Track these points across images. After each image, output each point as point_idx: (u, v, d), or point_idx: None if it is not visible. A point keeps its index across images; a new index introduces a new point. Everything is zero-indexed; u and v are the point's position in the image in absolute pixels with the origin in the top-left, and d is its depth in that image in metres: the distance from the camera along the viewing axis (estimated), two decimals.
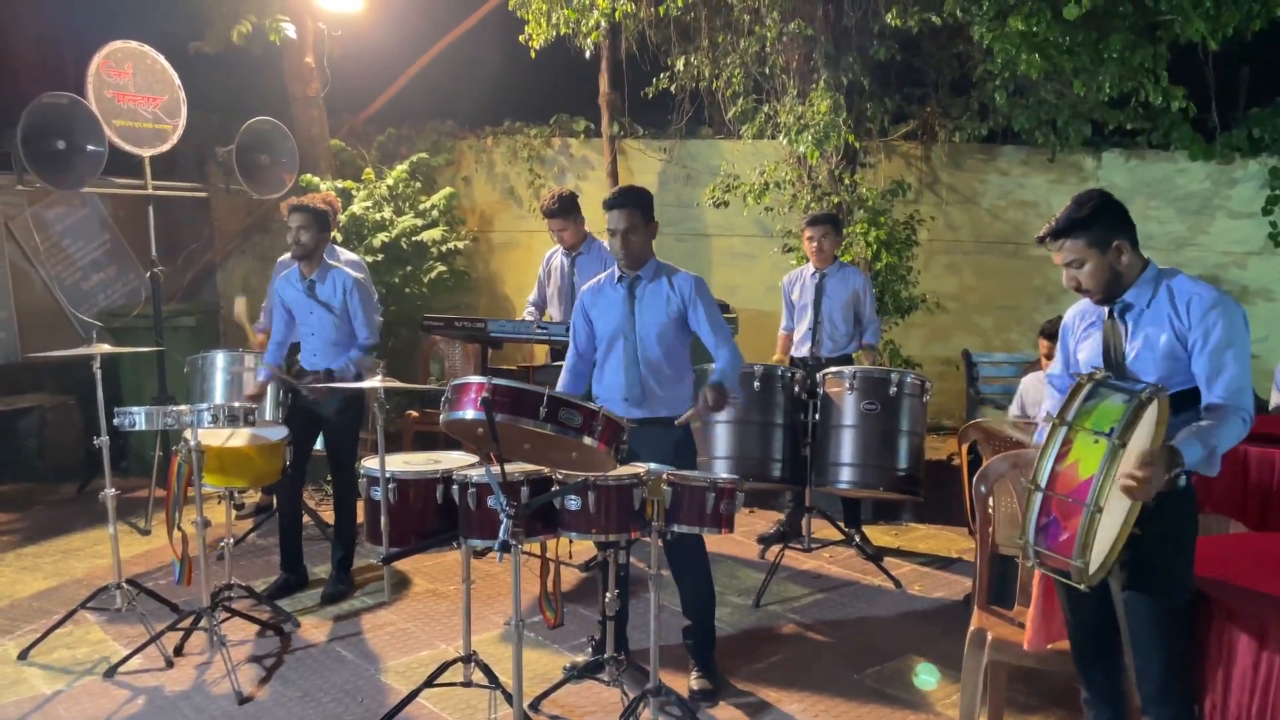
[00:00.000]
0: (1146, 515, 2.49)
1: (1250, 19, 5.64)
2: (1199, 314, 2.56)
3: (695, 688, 3.81)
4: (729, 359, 3.79)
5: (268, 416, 5.03)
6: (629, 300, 3.81)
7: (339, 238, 7.19)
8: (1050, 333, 4.60)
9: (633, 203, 3.75)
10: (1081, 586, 2.46)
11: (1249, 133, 6.79)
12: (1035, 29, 5.59)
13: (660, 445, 3.74)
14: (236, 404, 4.18)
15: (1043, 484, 2.46)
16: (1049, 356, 4.61)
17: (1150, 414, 2.42)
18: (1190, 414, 2.57)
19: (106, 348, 4.35)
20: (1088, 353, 2.78)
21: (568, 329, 4.53)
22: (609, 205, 3.76)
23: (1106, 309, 2.73)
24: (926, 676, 3.69)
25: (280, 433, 4.60)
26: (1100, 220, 2.63)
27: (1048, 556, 2.49)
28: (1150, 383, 2.47)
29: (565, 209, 5.10)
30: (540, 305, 5.52)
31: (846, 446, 4.75)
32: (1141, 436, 2.42)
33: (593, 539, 3.42)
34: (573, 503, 3.31)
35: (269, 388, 5.01)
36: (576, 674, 3.81)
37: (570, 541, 3.50)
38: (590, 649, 4.06)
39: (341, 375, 4.73)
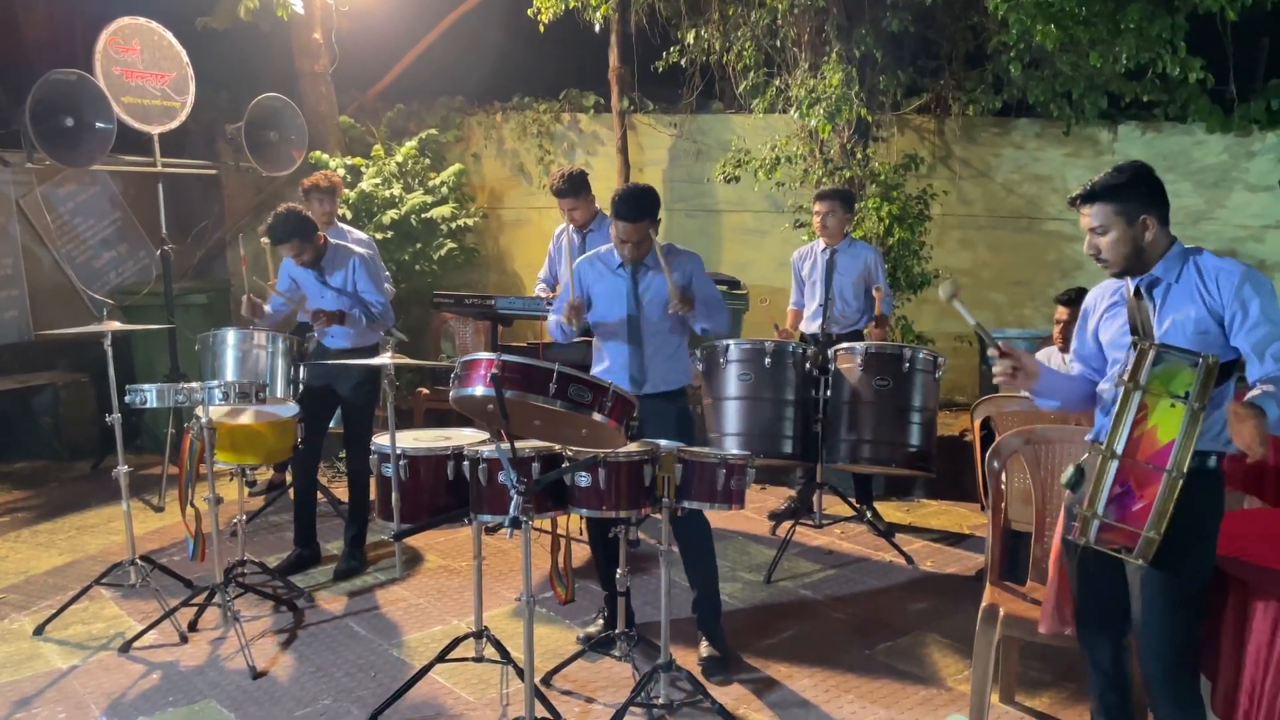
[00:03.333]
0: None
1: None
2: (1230, 289, 2.51)
3: (705, 654, 3.82)
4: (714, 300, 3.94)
5: (279, 393, 5.03)
6: (633, 287, 3.83)
7: (348, 215, 7.18)
8: (1067, 300, 4.55)
9: (644, 213, 3.73)
10: (1139, 562, 2.41)
11: (1268, 105, 6.68)
12: None
13: (664, 418, 3.78)
14: (248, 381, 4.19)
15: (1119, 450, 2.39)
16: (1059, 322, 4.56)
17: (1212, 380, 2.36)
18: (1223, 388, 2.51)
19: (118, 325, 4.36)
20: (1112, 333, 2.73)
21: None
22: (621, 216, 3.71)
23: (1131, 287, 2.68)
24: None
25: (291, 410, 4.61)
26: (1134, 191, 2.59)
27: (1115, 529, 2.42)
28: (1199, 351, 2.42)
29: (574, 188, 5.06)
30: (551, 282, 5.50)
31: (858, 423, 4.73)
32: None
33: (603, 515, 3.42)
34: (583, 479, 3.30)
35: (281, 362, 5.00)
36: (588, 648, 3.82)
37: (581, 518, 3.50)
38: (601, 620, 4.07)
39: (354, 323, 4.75)
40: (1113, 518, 2.42)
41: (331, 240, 4.85)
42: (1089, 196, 2.62)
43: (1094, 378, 2.84)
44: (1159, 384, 2.37)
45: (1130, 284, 2.69)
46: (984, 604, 3.28)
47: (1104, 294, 2.82)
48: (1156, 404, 2.37)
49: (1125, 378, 2.43)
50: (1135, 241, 2.60)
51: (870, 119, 6.72)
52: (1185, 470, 2.31)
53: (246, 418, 4.47)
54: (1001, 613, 3.21)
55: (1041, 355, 4.86)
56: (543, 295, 5.43)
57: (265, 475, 6.27)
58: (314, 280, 4.76)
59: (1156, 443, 2.35)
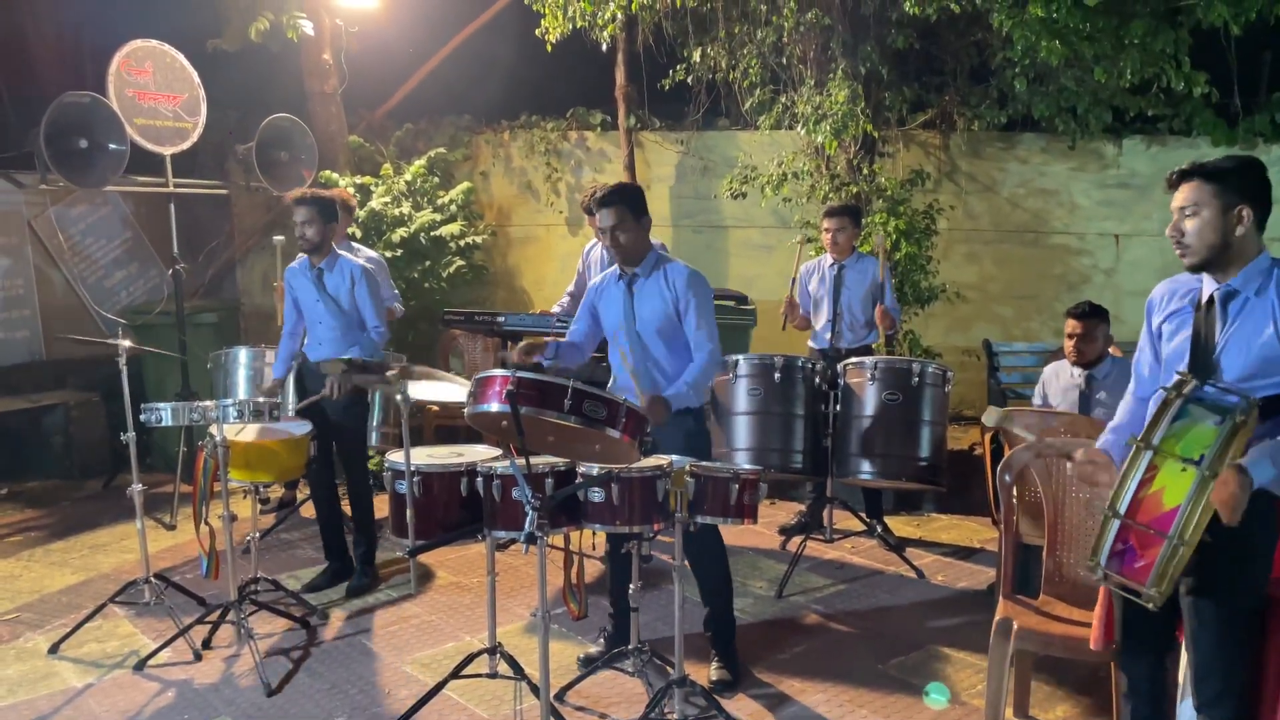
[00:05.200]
0: (1218, 520, 2.34)
1: (1274, 3, 5.57)
2: None
3: (714, 678, 3.82)
4: (698, 367, 3.72)
5: (291, 411, 5.06)
6: (628, 297, 3.83)
7: (358, 234, 7.22)
8: (1080, 313, 4.53)
9: (621, 200, 3.74)
10: (1150, 606, 2.35)
11: (1272, 118, 6.72)
12: (1056, 15, 5.54)
13: (670, 436, 3.73)
14: (261, 399, 4.21)
15: (1122, 511, 2.32)
16: (1071, 336, 4.55)
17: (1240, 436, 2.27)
18: (1274, 422, 2.40)
19: (131, 343, 4.39)
20: (1174, 346, 2.61)
21: None
22: (598, 204, 3.77)
23: (1205, 295, 2.55)
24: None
25: (304, 427, 4.63)
26: (1238, 179, 2.46)
27: (1119, 580, 2.37)
28: (1244, 397, 2.30)
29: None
30: (577, 296, 5.52)
31: (868, 437, 4.74)
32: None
33: (616, 530, 3.43)
34: (596, 494, 3.32)
35: (293, 380, 5.03)
36: (601, 664, 3.82)
37: (594, 534, 3.51)
38: (603, 640, 4.07)
39: (363, 364, 4.76)
40: (1115, 570, 2.36)
41: (338, 251, 4.88)
42: (1188, 173, 2.49)
43: (1152, 389, 2.71)
44: (1172, 443, 2.27)
45: (1205, 290, 2.56)
46: (997, 618, 3.28)
47: (1173, 293, 2.67)
48: (1165, 464, 2.27)
49: (1139, 435, 2.33)
50: (1224, 232, 2.45)
51: (876, 134, 6.76)
52: (1188, 539, 2.22)
53: (260, 435, 4.49)
54: (1015, 626, 3.21)
55: (1050, 370, 4.87)
56: (559, 309, 5.45)
57: (276, 493, 6.30)
58: (311, 284, 4.77)
59: (1161, 506, 2.26)
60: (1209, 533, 2.34)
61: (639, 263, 3.82)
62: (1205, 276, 2.57)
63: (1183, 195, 2.50)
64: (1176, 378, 2.41)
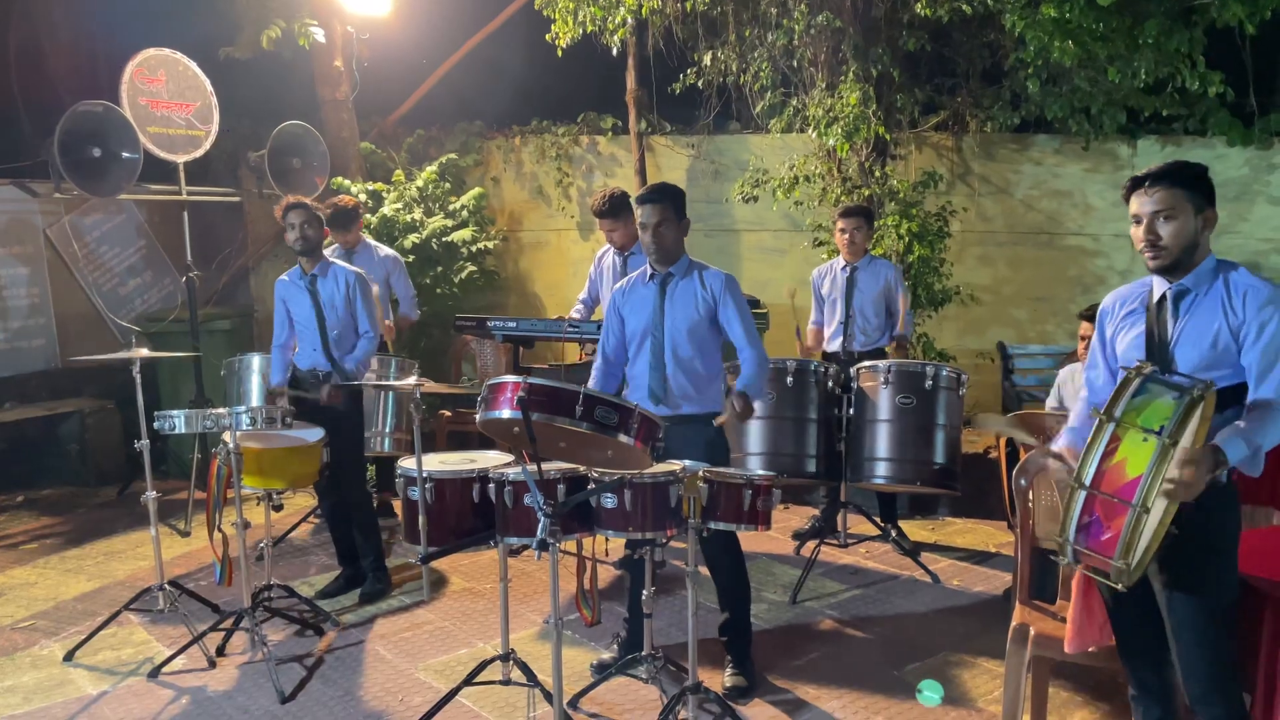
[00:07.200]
0: (1185, 514, 2.41)
1: None
2: (1255, 308, 2.49)
3: (729, 684, 3.80)
4: (754, 362, 3.79)
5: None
6: (660, 297, 3.81)
7: (371, 240, 7.24)
8: (1092, 315, 4.51)
9: (666, 198, 3.79)
10: (1119, 586, 2.40)
11: None
12: (1068, 15, 5.51)
13: (692, 443, 3.71)
14: (274, 406, 4.22)
15: (1087, 482, 2.39)
16: (1084, 338, 4.53)
17: (1197, 412, 2.34)
18: (1233, 411, 2.49)
19: (146, 352, 4.41)
20: (1128, 342, 2.70)
21: (599, 327, 4.53)
22: (641, 200, 3.81)
23: (1157, 294, 2.64)
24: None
25: (317, 434, 4.63)
26: (1203, 183, 2.59)
27: (1087, 555, 2.43)
28: (1200, 379, 2.39)
29: (615, 209, 5.06)
30: (590, 303, 5.51)
31: (882, 441, 4.72)
32: (1186, 435, 2.35)
33: (629, 537, 3.41)
34: (609, 501, 3.31)
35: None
36: (615, 670, 3.80)
37: (607, 539, 3.50)
38: (616, 647, 4.06)
39: (354, 376, 4.76)
40: (1083, 545, 2.42)
41: (332, 259, 4.91)
42: (1162, 176, 2.56)
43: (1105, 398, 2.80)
44: (1133, 416, 2.36)
45: (1156, 290, 2.65)
46: (1014, 623, 3.25)
47: (1123, 300, 2.78)
48: (1127, 435, 2.35)
49: (1101, 409, 2.42)
50: (1194, 234, 2.56)
51: (888, 137, 6.73)
52: (1150, 506, 2.29)
53: (272, 442, 4.49)
54: (1032, 632, 3.18)
55: (1065, 372, 4.83)
56: (579, 315, 5.43)
57: (307, 502, 6.26)
58: (304, 292, 4.77)
59: (1124, 476, 2.33)
60: (1176, 525, 2.38)
61: (673, 263, 3.83)
62: (1156, 279, 2.67)
63: (1157, 199, 2.56)
64: (1135, 363, 2.51)
